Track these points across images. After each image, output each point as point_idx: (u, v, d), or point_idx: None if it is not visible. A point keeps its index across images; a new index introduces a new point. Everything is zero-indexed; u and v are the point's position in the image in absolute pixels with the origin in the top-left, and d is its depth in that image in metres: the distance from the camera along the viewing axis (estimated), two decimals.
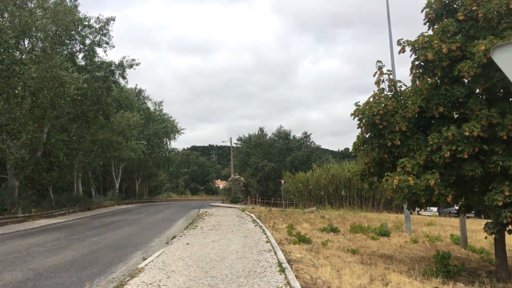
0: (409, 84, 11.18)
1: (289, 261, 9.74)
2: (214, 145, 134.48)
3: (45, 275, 9.65)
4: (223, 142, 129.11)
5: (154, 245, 14.85)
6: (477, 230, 19.43)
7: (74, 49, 32.67)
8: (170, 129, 62.29)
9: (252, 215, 25.31)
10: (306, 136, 69.08)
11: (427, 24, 10.90)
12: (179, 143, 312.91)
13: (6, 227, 20.69)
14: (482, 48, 8.64)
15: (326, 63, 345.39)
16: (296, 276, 8.14)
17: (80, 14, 31.32)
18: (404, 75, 36.94)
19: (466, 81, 9.75)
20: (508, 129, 8.70)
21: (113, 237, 17.09)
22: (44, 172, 29.24)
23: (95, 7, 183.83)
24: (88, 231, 19.78)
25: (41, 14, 26.02)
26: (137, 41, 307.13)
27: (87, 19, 31.92)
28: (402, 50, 10.43)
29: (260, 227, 18.27)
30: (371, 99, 10.86)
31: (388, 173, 10.14)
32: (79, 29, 31.41)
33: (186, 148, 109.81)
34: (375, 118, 10.20)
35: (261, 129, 70.36)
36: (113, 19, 33.22)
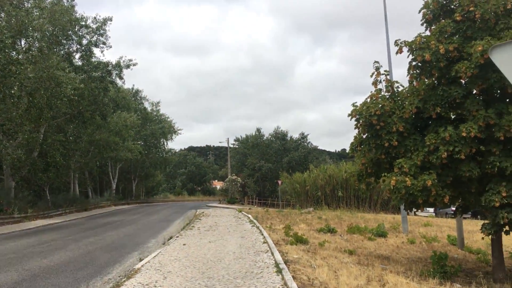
0: (406, 85, 11.20)
1: (286, 262, 9.71)
2: (211, 145, 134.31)
3: (40, 276, 9.59)
4: (220, 142, 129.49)
5: (151, 245, 14.79)
6: (473, 231, 19.46)
7: (71, 49, 32.62)
8: (167, 129, 62.26)
9: (249, 215, 25.27)
10: (303, 136, 69.25)
11: (425, 24, 10.90)
12: (176, 144, 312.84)
13: (2, 228, 20.58)
14: (479, 48, 8.64)
15: (323, 64, 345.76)
16: (293, 277, 8.11)
17: (77, 14, 31.31)
18: (401, 77, 37.09)
19: (463, 81, 9.74)
20: (505, 130, 8.70)
21: (110, 238, 17.02)
22: (40, 173, 29.13)
23: (92, 8, 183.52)
24: (84, 231, 19.70)
25: (37, 14, 25.98)
26: (134, 42, 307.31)
27: (84, 19, 31.91)
28: (400, 51, 10.42)
29: (257, 227, 18.23)
30: (368, 100, 10.85)
31: (385, 174, 10.14)
32: (76, 29, 31.35)
33: (183, 149, 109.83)
34: (373, 119, 10.19)
35: (258, 130, 70.51)
36: (110, 19, 33.22)
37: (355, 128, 11.00)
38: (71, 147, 33.80)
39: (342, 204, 42.14)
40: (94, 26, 32.43)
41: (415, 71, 10.44)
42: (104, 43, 33.12)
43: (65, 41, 31.04)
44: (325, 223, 20.28)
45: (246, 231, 17.21)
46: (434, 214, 38.24)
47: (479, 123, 8.87)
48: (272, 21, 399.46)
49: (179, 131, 65.22)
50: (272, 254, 11.03)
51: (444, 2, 10.47)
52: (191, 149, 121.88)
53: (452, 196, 10.07)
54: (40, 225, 22.81)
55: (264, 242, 13.49)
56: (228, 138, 68.51)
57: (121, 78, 36.09)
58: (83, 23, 31.77)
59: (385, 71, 11.30)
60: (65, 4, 29.71)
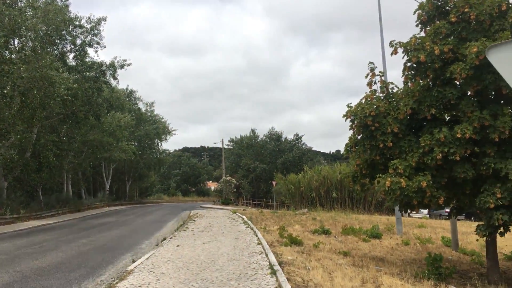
0: (401, 86, 11.18)
1: (280, 264, 9.65)
2: (206, 146, 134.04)
3: (32, 278, 9.48)
4: (214, 143, 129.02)
5: (144, 247, 14.69)
6: (467, 232, 19.49)
7: (64, 49, 32.44)
8: (161, 130, 62.06)
9: (244, 216, 25.20)
10: (298, 138, 69.34)
11: (419, 26, 10.90)
12: (170, 144, 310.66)
13: None
14: (474, 50, 8.64)
15: (318, 65, 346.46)
16: (287, 278, 8.06)
17: (71, 14, 31.12)
18: (395, 78, 37.13)
19: (458, 83, 9.75)
20: (500, 131, 8.69)
21: (103, 239, 16.90)
22: (33, 173, 28.92)
23: (87, 8, 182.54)
24: (77, 232, 19.55)
25: (31, 13, 25.79)
26: (128, 42, 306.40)
27: (78, 19, 31.72)
28: (395, 52, 10.39)
29: (252, 229, 18.17)
30: (363, 101, 10.82)
31: (380, 175, 10.11)
32: (70, 29, 31.17)
33: (177, 150, 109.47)
34: (367, 120, 10.17)
35: (253, 131, 70.47)
36: (105, 20, 33.08)
37: (350, 129, 10.97)
38: (64, 148, 33.60)
39: (336, 205, 42.15)
40: (88, 26, 32.28)
41: (410, 72, 10.43)
42: (98, 43, 33.00)
43: (58, 41, 30.87)
44: (319, 224, 20.26)
45: (240, 232, 17.14)
46: (428, 215, 38.29)
47: (474, 125, 8.87)
48: (267, 22, 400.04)
49: (173, 132, 65.02)
50: (267, 255, 10.96)
51: (439, 3, 10.47)
52: (185, 150, 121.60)
53: (447, 198, 10.08)
54: (32, 226, 22.62)
55: (258, 244, 13.42)
56: (222, 139, 68.18)
57: (115, 78, 35.93)
58: (77, 23, 31.60)
59: (380, 72, 11.29)
60: (59, 3, 29.52)
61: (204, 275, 8.90)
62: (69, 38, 31.62)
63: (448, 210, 12.82)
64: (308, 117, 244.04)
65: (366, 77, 11.13)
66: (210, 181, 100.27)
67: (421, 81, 10.33)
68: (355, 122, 10.61)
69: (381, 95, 11.07)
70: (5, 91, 23.04)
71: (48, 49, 28.55)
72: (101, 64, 34.09)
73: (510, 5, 9.40)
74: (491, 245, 10.04)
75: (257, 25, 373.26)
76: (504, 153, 9.04)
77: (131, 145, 50.02)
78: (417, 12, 10.76)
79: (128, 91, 59.23)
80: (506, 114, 8.78)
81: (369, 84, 11.09)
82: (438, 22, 10.25)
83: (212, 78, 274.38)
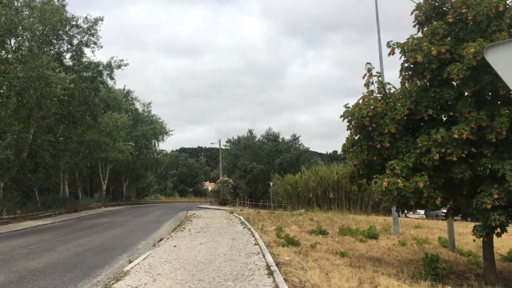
0: (398, 86, 11.18)
1: (277, 264, 9.63)
2: (203, 147, 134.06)
3: (28, 278, 9.44)
4: (212, 144, 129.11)
5: (141, 247, 14.65)
6: (464, 233, 19.52)
7: (61, 49, 32.36)
8: (158, 130, 61.98)
9: (241, 217, 25.16)
10: (295, 138, 69.26)
11: (417, 26, 10.88)
12: (167, 145, 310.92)
13: None
14: (472, 50, 8.64)
15: (316, 66, 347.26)
16: (284, 279, 8.04)
17: (68, 14, 31.07)
18: (392, 79, 37.19)
19: (455, 83, 9.74)
20: (497, 132, 8.70)
21: (99, 240, 16.85)
22: (29, 173, 28.83)
23: (84, 7, 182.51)
24: (73, 233, 19.49)
25: (28, 13, 25.72)
26: (126, 42, 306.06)
27: (75, 19, 31.64)
28: (392, 52, 10.39)
29: (249, 229, 18.14)
30: (361, 101, 10.82)
31: (377, 175, 10.10)
32: (67, 29, 31.11)
33: (174, 150, 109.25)
34: (365, 120, 10.16)
35: (250, 131, 70.36)
36: (102, 19, 33.01)
37: (347, 130, 10.95)
38: (61, 148, 33.49)
39: (333, 205, 42.11)
40: (85, 26, 32.20)
41: (407, 73, 10.42)
42: (95, 43, 32.93)
43: (55, 41, 30.79)
44: (316, 225, 20.23)
45: (238, 233, 17.11)
46: (424, 216, 38.33)
47: (471, 125, 8.86)
48: (264, 23, 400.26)
49: (170, 132, 65.03)
50: (264, 256, 10.94)
51: (437, 4, 10.47)
52: (182, 150, 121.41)
53: (444, 198, 10.09)
54: (28, 226, 22.55)
55: (255, 244, 13.40)
56: (220, 139, 68.35)
57: (112, 78, 35.87)
58: (74, 22, 31.53)
59: (377, 72, 11.28)
60: (56, 3, 29.43)
61: (201, 276, 8.88)
62: (66, 38, 31.56)
63: (444, 210, 12.80)
64: (305, 117, 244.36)
65: (364, 77, 11.13)
66: (207, 182, 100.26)
67: (418, 82, 10.33)
68: (353, 122, 10.59)
69: (378, 95, 11.07)
70: (1, 91, 22.96)
71: (45, 49, 28.45)
72: (98, 64, 34.03)
73: (507, 6, 9.41)
74: (488, 246, 10.04)
75: (255, 25, 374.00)
76: (501, 153, 9.04)
77: (128, 145, 49.95)
78: (415, 12, 10.76)
79: (125, 91, 59.14)
80: (503, 114, 8.77)
81: (367, 85, 11.09)
82: (435, 22, 10.26)
83: (210, 78, 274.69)
